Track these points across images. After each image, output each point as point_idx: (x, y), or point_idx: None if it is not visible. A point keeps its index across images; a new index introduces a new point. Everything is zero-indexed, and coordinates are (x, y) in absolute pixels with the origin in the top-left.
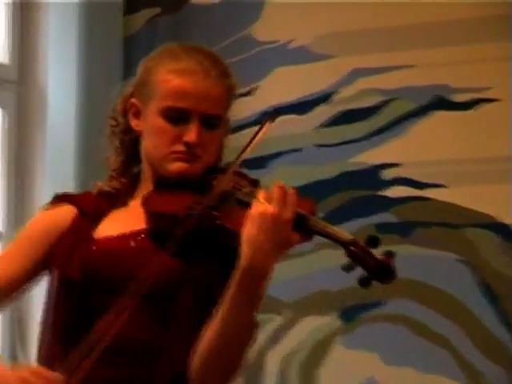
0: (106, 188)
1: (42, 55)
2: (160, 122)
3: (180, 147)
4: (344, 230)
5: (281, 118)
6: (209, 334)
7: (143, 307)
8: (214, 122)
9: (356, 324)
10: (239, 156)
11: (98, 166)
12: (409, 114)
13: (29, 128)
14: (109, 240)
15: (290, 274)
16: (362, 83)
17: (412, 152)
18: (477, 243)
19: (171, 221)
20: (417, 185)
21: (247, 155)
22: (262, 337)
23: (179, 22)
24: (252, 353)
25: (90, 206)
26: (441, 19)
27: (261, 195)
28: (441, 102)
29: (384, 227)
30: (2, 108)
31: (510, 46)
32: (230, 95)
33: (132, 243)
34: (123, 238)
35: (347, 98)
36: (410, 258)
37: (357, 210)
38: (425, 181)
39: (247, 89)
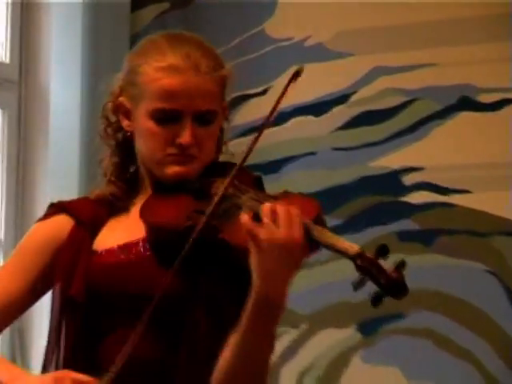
0: (104, 195)
1: (44, 54)
2: (150, 124)
3: (174, 150)
4: (350, 242)
5: (295, 120)
6: (227, 355)
7: (154, 327)
8: (208, 117)
9: (376, 337)
10: (253, 144)
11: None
12: (432, 116)
13: (30, 129)
14: (110, 253)
15: (306, 285)
16: (383, 83)
17: (435, 155)
18: (504, 252)
19: (171, 234)
20: (440, 190)
21: (250, 155)
22: (276, 351)
23: (188, 18)
24: None
25: (88, 215)
26: (466, 15)
27: (265, 214)
28: (466, 103)
29: (406, 235)
30: (2, 109)
31: None
32: (224, 85)
33: (133, 257)
34: (125, 250)
35: (367, 99)
36: (433, 267)
37: (376, 218)
38: (449, 186)
39: (260, 89)
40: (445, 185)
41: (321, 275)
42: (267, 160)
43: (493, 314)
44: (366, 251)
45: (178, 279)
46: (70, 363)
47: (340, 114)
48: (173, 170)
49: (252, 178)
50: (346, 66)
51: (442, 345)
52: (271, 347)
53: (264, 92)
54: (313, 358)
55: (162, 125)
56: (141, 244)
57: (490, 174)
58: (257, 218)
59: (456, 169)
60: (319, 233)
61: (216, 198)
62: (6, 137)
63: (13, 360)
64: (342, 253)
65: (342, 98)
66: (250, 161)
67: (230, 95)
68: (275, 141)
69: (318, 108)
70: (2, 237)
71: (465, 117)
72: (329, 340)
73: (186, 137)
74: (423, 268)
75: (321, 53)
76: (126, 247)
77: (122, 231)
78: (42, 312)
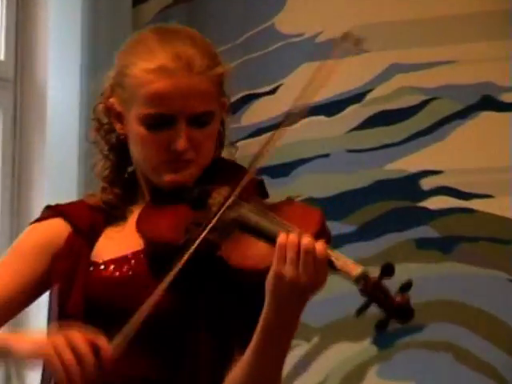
0: (100, 202)
1: (41, 51)
2: (142, 130)
3: (169, 156)
4: (353, 262)
5: (307, 120)
6: (238, 374)
7: (152, 345)
8: (204, 119)
9: (392, 351)
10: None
11: None
12: (452, 116)
13: (27, 129)
14: (108, 266)
15: (319, 296)
16: (400, 81)
17: (455, 158)
18: None
19: (169, 250)
20: (461, 195)
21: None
22: (287, 365)
23: (193, 13)
24: None
25: (85, 223)
26: (487, 10)
27: (289, 247)
28: (488, 102)
29: (424, 242)
30: None
31: None
32: (220, 83)
33: (132, 271)
34: (124, 263)
35: (383, 98)
36: (453, 276)
37: (393, 224)
38: (470, 190)
39: (269, 88)
40: (465, 189)
41: (334, 285)
42: (277, 162)
43: None
44: (370, 272)
45: (177, 296)
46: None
47: (354, 114)
48: (169, 177)
49: (254, 182)
50: (360, 63)
51: (463, 359)
52: (283, 364)
53: (273, 91)
54: (326, 372)
55: (154, 131)
56: (140, 256)
57: None
58: (261, 235)
59: (477, 172)
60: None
61: (214, 214)
62: (2, 137)
63: (7, 378)
64: (344, 273)
65: (356, 97)
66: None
67: (236, 93)
68: (285, 142)
69: (330, 108)
70: None
71: (486, 117)
72: (342, 354)
73: (180, 142)
74: (442, 277)
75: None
76: (124, 260)
77: (121, 242)
78: (38, 326)
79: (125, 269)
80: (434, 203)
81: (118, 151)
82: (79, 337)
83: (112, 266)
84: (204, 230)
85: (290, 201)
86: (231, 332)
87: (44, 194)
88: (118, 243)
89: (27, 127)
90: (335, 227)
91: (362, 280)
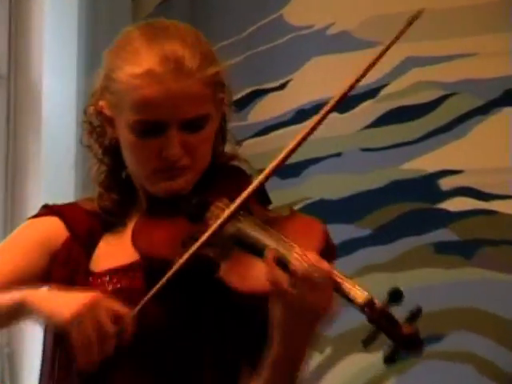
0: (97, 208)
1: (36, 46)
2: (132, 138)
3: (162, 164)
4: (359, 286)
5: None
6: None
7: (154, 366)
8: (197, 123)
9: (410, 363)
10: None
11: None
12: (472, 112)
13: (21, 128)
14: (105, 277)
15: None
16: (417, 75)
17: (476, 157)
18: None
19: (164, 266)
20: (482, 196)
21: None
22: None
23: (196, 4)
24: None
25: (83, 228)
26: None
27: (300, 276)
28: (510, 97)
29: (443, 246)
30: None
31: None
32: (215, 84)
33: (129, 284)
34: (122, 275)
35: (398, 93)
36: (474, 283)
37: (410, 227)
38: (491, 191)
39: (278, 83)
40: (486, 190)
41: None
42: (286, 162)
43: None
44: (376, 299)
45: (178, 315)
46: None
47: (368, 110)
48: (163, 186)
49: (260, 192)
50: (374, 56)
51: (485, 370)
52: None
53: (282, 86)
54: None
55: (144, 138)
56: (137, 269)
57: None
58: (262, 255)
59: (499, 172)
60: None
61: (213, 220)
62: None
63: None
64: (348, 300)
65: (370, 93)
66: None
67: (242, 89)
68: None
69: (343, 104)
70: None
71: (509, 112)
72: (357, 365)
73: (172, 150)
74: (463, 283)
75: (346, 42)
76: (123, 271)
77: (119, 251)
78: (33, 336)
79: (123, 282)
80: (454, 205)
81: (113, 154)
82: (102, 306)
83: (110, 278)
84: (199, 244)
85: (291, 213)
86: (235, 350)
87: (40, 195)
88: (117, 252)
89: (22, 126)
90: (348, 230)
91: (368, 308)
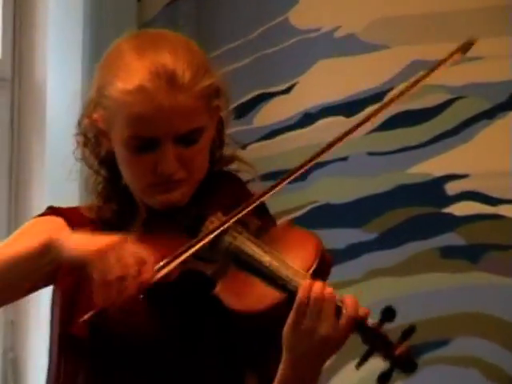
0: (97, 219)
1: (40, 48)
2: (126, 153)
3: (157, 178)
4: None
5: (324, 121)
6: None
7: (156, 380)
8: (192, 137)
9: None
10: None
11: None
12: (479, 115)
13: (25, 132)
14: None
15: None
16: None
17: (483, 160)
18: None
19: (162, 285)
20: (488, 200)
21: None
22: None
23: (203, 6)
24: None
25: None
26: None
27: (313, 303)
28: None
29: (449, 251)
30: None
31: None
32: (209, 96)
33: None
34: None
35: (405, 97)
36: (480, 287)
37: (416, 231)
38: (498, 195)
39: (284, 86)
40: (493, 194)
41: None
42: (292, 166)
43: None
44: (369, 318)
45: (178, 332)
46: None
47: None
48: (160, 199)
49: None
50: (381, 59)
51: (491, 375)
52: None
53: (288, 90)
54: None
55: (139, 153)
56: None
57: None
58: (258, 274)
59: (506, 176)
60: None
61: (209, 235)
62: None
63: (4, 378)
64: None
65: (376, 96)
66: (273, 167)
67: (248, 92)
68: (301, 145)
69: (349, 107)
70: None
71: None
72: (362, 370)
73: (167, 165)
74: (469, 288)
75: (352, 45)
76: None
77: None
78: (36, 341)
79: None
80: (460, 209)
81: (110, 165)
82: (127, 247)
83: None
84: (198, 258)
85: (288, 226)
86: (237, 361)
87: (44, 197)
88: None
89: (26, 129)
90: (354, 235)
91: (360, 326)
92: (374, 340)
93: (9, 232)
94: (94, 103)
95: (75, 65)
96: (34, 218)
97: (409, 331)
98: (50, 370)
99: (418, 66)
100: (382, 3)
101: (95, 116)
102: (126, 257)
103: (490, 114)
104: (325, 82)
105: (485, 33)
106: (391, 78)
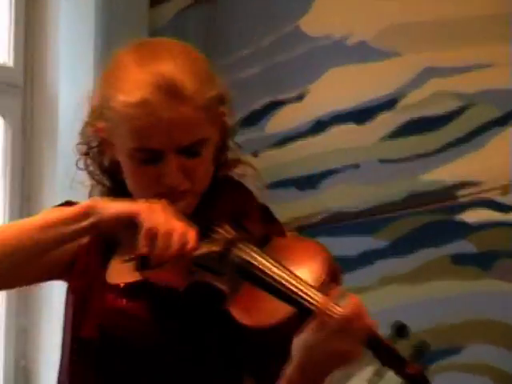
0: None
1: (52, 55)
2: (130, 164)
3: (161, 189)
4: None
5: (336, 129)
6: None
7: None
8: (195, 149)
9: (428, 375)
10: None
11: None
12: (491, 123)
13: (37, 140)
14: (119, 294)
15: None
16: (435, 85)
17: (495, 168)
18: None
19: (170, 295)
20: (500, 207)
21: None
22: None
23: (214, 14)
24: None
25: (100, 239)
26: None
27: (337, 322)
28: None
29: (461, 258)
30: (4, 117)
31: None
32: (211, 107)
33: (137, 305)
34: (132, 292)
35: (416, 104)
36: (492, 295)
37: (428, 238)
38: (509, 203)
39: (295, 94)
40: (505, 201)
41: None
42: (304, 174)
43: None
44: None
45: (186, 344)
46: None
47: (386, 121)
48: None
49: (257, 210)
50: (392, 67)
51: (504, 382)
52: None
53: (300, 97)
54: None
55: (142, 165)
56: (142, 293)
57: None
58: (267, 289)
59: None
60: None
61: (216, 243)
62: (10, 149)
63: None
64: None
65: (388, 104)
66: (284, 175)
67: (259, 100)
68: (313, 152)
69: (361, 115)
70: None
71: None
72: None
73: (171, 177)
74: (481, 295)
75: (364, 52)
76: (134, 289)
77: (128, 268)
78: (48, 349)
79: (133, 301)
80: (472, 216)
81: (112, 174)
82: (173, 208)
83: (124, 294)
84: (206, 270)
85: (294, 236)
86: (238, 367)
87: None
88: (126, 269)
89: (38, 135)
90: (366, 242)
91: (373, 343)
92: (385, 356)
93: None
94: (97, 113)
95: (87, 72)
96: (53, 207)
97: (420, 349)
98: (60, 375)
99: (429, 73)
100: (393, 10)
101: (98, 126)
102: (173, 215)
103: (501, 122)
104: (336, 89)
105: (496, 39)
106: (403, 85)
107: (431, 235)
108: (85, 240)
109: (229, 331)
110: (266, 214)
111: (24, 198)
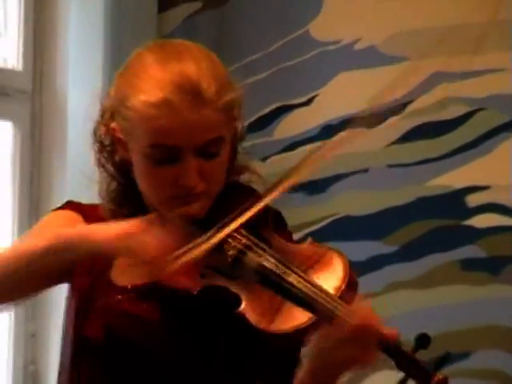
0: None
1: (61, 60)
2: (146, 165)
3: (178, 191)
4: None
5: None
6: None
7: None
8: (213, 149)
9: None
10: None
11: None
12: (499, 128)
13: (46, 146)
14: (125, 294)
15: None
16: (443, 91)
17: (503, 173)
18: None
19: (183, 297)
20: (509, 212)
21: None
22: None
23: (223, 19)
24: None
25: None
26: None
27: (355, 329)
28: None
29: (470, 264)
30: (13, 122)
31: None
32: (230, 109)
33: (146, 307)
34: (140, 294)
35: (425, 109)
36: (501, 300)
37: (437, 244)
38: None
39: (304, 98)
40: None
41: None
42: (312, 179)
43: None
44: (404, 344)
45: (196, 346)
46: None
47: (395, 126)
48: (179, 212)
49: (271, 215)
50: (400, 71)
51: None
52: None
53: (308, 102)
54: None
55: (159, 166)
56: (153, 296)
57: None
58: (284, 294)
59: None
60: None
61: (232, 259)
62: (18, 154)
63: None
64: None
65: (396, 108)
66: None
67: (268, 105)
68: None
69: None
70: None
71: None
72: (386, 381)
73: (190, 178)
74: (490, 300)
75: (372, 57)
76: (142, 291)
77: (136, 268)
78: (57, 354)
79: (139, 306)
80: (481, 221)
81: (124, 171)
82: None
83: (133, 295)
84: (219, 275)
85: (311, 244)
86: (250, 371)
87: None
88: (133, 270)
89: (47, 140)
90: (375, 247)
91: (395, 353)
92: (408, 366)
93: None
94: (112, 112)
95: (96, 77)
96: (53, 211)
97: (443, 359)
98: (60, 375)
99: (437, 78)
100: (401, 16)
101: (113, 125)
102: (149, 241)
103: (509, 127)
104: (345, 94)
105: (505, 45)
106: (411, 90)
107: (440, 240)
108: None
109: (241, 335)
110: (279, 219)
111: (33, 203)
